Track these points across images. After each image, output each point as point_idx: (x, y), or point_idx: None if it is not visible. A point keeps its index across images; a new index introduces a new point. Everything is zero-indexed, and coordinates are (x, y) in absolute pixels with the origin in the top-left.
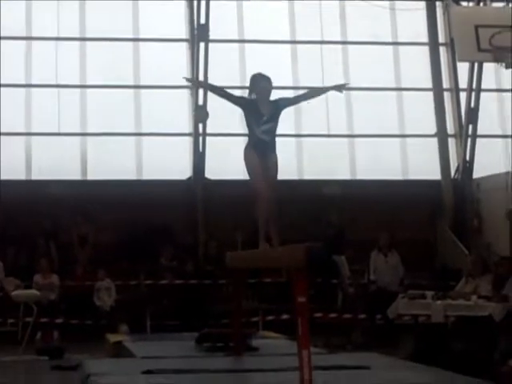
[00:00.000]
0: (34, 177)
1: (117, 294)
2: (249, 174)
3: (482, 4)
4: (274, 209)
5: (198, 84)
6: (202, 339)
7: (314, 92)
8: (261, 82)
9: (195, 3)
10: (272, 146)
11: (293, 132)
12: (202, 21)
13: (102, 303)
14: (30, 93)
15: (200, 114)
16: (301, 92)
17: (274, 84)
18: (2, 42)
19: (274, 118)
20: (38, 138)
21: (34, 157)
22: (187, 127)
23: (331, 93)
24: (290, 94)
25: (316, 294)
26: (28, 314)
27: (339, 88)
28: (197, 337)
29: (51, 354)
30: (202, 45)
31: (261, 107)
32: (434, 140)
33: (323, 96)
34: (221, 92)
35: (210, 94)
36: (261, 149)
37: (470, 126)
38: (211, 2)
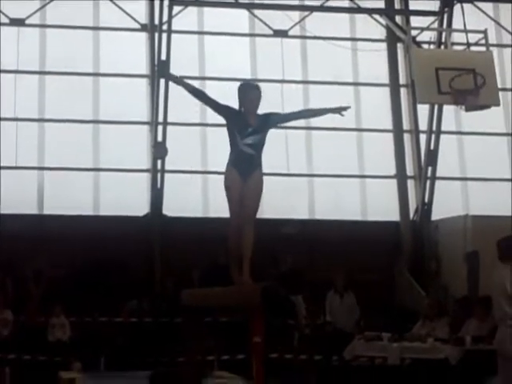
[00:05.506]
0: None
1: (71, 331)
2: (228, 200)
3: (442, 47)
4: (248, 243)
5: (176, 80)
6: (155, 378)
7: (308, 112)
8: (249, 93)
9: (156, 39)
10: (257, 162)
11: None
12: (163, 57)
13: (55, 340)
14: None
15: (159, 150)
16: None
17: None
18: None
19: (260, 131)
20: None
21: None
22: (145, 163)
23: (290, 131)
24: None
25: (272, 334)
26: None
27: (339, 111)
28: (150, 375)
29: None
30: (162, 81)
31: (248, 118)
32: (394, 181)
33: (283, 134)
34: (203, 97)
35: (169, 130)
36: (243, 165)
37: (430, 168)
38: (172, 37)
